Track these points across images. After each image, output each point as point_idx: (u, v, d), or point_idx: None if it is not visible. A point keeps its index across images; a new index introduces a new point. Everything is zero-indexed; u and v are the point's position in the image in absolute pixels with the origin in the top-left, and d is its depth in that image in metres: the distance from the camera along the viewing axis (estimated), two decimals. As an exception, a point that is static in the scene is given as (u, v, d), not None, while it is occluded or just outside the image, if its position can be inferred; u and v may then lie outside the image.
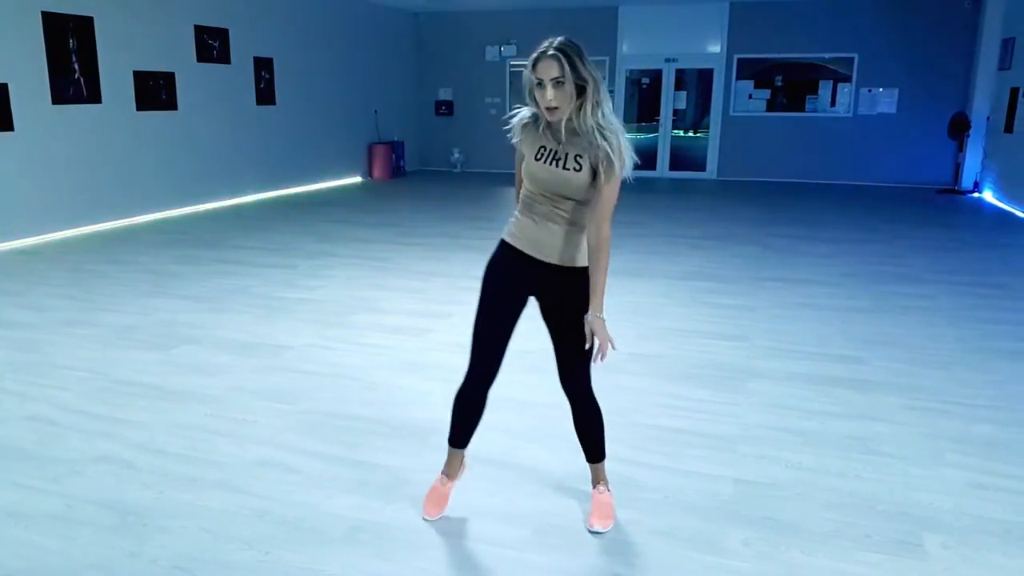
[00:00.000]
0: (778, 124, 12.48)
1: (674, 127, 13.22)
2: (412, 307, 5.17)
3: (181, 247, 7.13)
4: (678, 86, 13.03)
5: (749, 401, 3.58)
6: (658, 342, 4.43)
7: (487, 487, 2.79)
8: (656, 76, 13.08)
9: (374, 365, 4.06)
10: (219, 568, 2.31)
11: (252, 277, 5.97)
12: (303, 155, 11.24)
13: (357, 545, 2.44)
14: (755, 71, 12.46)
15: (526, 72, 2.17)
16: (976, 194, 10.92)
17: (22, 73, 7.09)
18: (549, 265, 2.31)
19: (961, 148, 11.35)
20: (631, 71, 13.20)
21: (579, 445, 2.58)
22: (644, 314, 4.99)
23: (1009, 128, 9.82)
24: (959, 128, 11.11)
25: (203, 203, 9.43)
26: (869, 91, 11.93)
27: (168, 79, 8.73)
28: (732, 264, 6.45)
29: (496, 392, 2.51)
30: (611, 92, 13.05)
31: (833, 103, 12.17)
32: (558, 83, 2.12)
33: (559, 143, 2.23)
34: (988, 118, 10.85)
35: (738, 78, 12.52)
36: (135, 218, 8.46)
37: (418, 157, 14.34)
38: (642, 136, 13.41)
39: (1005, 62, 10.26)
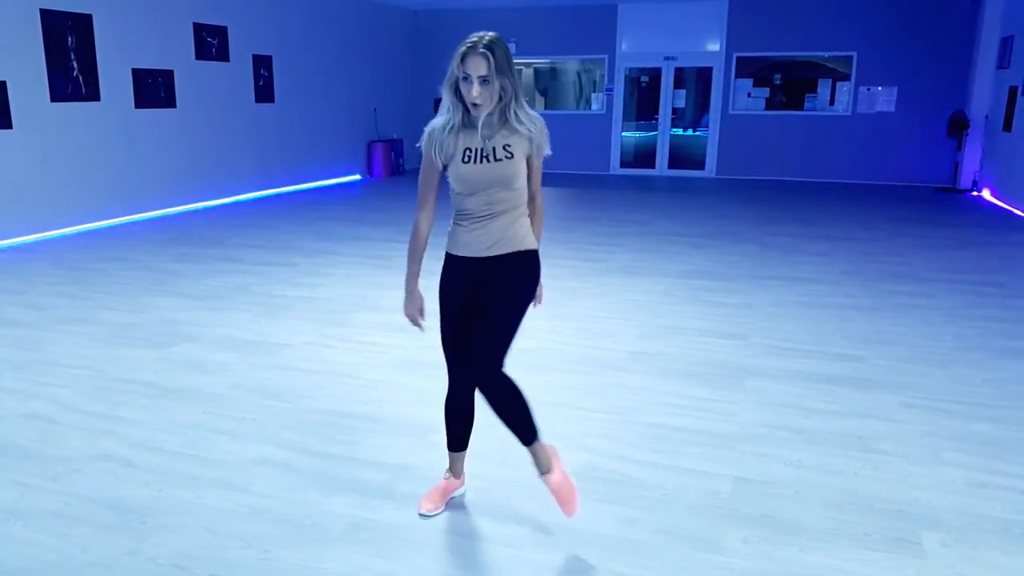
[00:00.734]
0: (777, 122, 12.48)
1: (673, 125, 13.22)
2: (411, 305, 5.16)
3: (180, 245, 7.13)
4: (677, 84, 13.03)
5: (748, 399, 3.58)
6: (657, 340, 4.43)
7: (485, 485, 2.79)
8: (655, 74, 13.08)
9: (374, 363, 4.06)
10: (218, 566, 2.31)
11: (252, 275, 5.97)
12: (302, 153, 11.23)
13: (356, 543, 2.44)
14: (754, 69, 12.46)
15: (452, 64, 2.20)
16: (974, 193, 10.92)
17: (20, 70, 7.08)
18: (498, 257, 2.36)
19: (960, 147, 11.36)
20: (630, 69, 13.19)
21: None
22: (643, 312, 4.99)
23: (1008, 127, 9.83)
24: (958, 127, 11.12)
25: (202, 201, 9.42)
26: (868, 90, 11.93)
27: (167, 77, 8.72)
28: (731, 262, 6.45)
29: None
30: (610, 90, 13.11)
31: (832, 101, 12.17)
32: (484, 81, 2.17)
33: (483, 139, 2.28)
34: (987, 117, 10.85)
35: (737, 76, 12.52)
36: (134, 216, 8.45)
37: (417, 155, 14.23)
38: (640, 134, 13.42)
39: (1004, 61, 10.26)
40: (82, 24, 7.62)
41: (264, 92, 10.34)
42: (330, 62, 11.59)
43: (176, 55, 8.83)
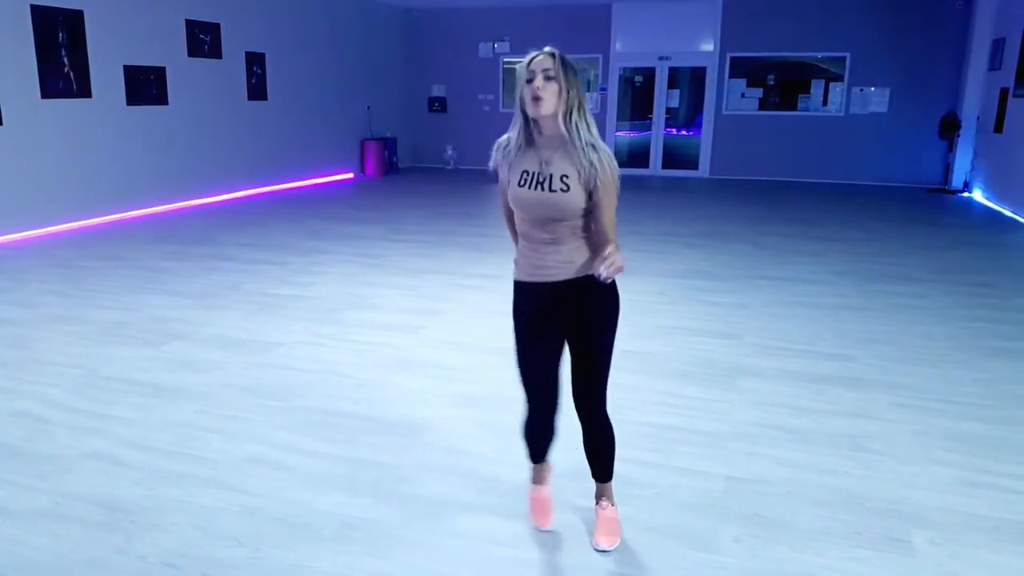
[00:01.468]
0: (770, 123, 12.51)
1: (667, 125, 13.24)
2: (405, 304, 5.16)
3: (172, 243, 7.10)
4: (671, 84, 13.05)
5: (741, 399, 3.59)
6: (651, 340, 4.44)
7: (482, 484, 2.79)
8: (649, 74, 13.09)
9: (366, 362, 4.05)
10: (209, 565, 2.30)
11: (244, 273, 5.95)
12: (295, 151, 11.20)
13: (348, 542, 2.43)
14: (748, 69, 12.49)
15: (520, 68, 2.18)
16: (966, 193, 10.98)
17: (11, 67, 7.03)
18: (566, 282, 2.26)
19: (951, 148, 11.41)
20: (624, 69, 13.20)
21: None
22: (637, 312, 4.99)
23: (999, 128, 9.88)
24: (949, 128, 11.17)
25: (194, 199, 9.39)
26: (861, 90, 11.98)
27: (159, 74, 8.68)
28: (724, 262, 6.47)
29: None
30: (604, 90, 13.11)
31: (825, 102, 12.21)
32: (548, 77, 2.15)
33: (541, 163, 2.19)
34: (978, 118, 10.90)
35: (731, 76, 12.54)
36: (125, 213, 8.42)
37: (411, 154, 14.31)
38: (633, 134, 13.42)
39: (995, 62, 10.31)
40: (73, 20, 7.58)
41: (257, 90, 10.31)
42: (323, 60, 11.56)
43: (168, 52, 8.79)
